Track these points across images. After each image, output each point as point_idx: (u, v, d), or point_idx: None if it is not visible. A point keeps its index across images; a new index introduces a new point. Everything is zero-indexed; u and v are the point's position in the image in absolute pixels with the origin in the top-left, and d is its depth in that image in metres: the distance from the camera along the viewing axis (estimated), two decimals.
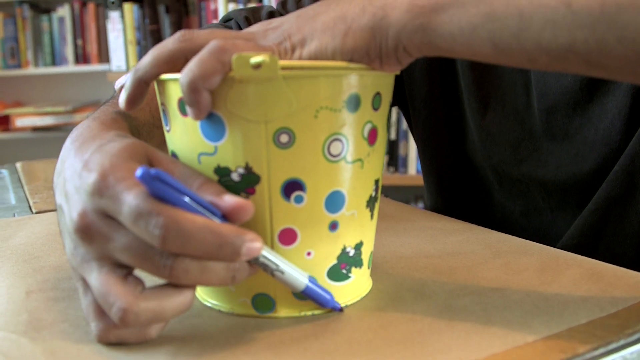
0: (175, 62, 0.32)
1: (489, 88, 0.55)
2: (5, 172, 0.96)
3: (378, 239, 0.47)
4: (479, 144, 0.56)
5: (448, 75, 0.59)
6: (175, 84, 0.31)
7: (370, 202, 0.35)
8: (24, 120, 2.19)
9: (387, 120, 0.35)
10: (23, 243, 0.49)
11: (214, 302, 0.35)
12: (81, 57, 2.27)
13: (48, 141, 2.39)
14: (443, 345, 0.29)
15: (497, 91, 0.54)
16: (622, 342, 0.30)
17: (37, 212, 0.62)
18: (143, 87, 0.33)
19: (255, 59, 0.29)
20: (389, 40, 0.31)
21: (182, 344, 0.30)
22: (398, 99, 0.65)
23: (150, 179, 0.27)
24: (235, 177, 0.31)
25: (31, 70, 2.27)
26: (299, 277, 0.32)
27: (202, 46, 0.31)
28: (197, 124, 0.31)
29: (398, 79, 0.63)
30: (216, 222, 0.28)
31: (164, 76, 0.32)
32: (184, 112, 0.32)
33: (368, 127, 0.33)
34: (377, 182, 0.35)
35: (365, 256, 0.36)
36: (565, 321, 0.32)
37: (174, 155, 0.34)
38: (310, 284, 0.32)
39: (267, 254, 0.31)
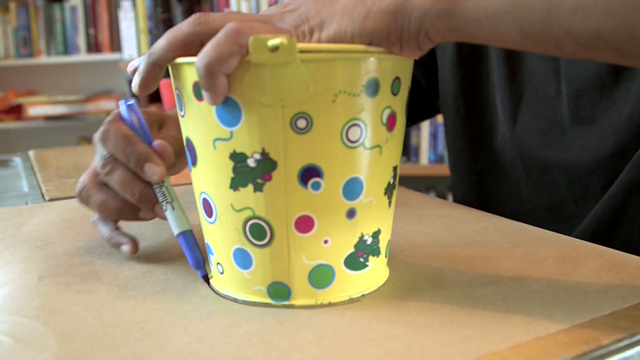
0: (191, 46, 0.31)
1: (523, 78, 0.54)
2: (18, 160, 0.96)
3: (394, 227, 0.47)
4: (510, 135, 0.55)
5: (478, 69, 0.59)
6: (190, 68, 0.31)
7: (389, 190, 0.34)
8: (37, 109, 2.21)
9: (405, 106, 0.34)
10: (36, 230, 0.49)
11: (230, 291, 0.34)
12: (93, 46, 2.27)
13: (60, 130, 2.40)
14: (463, 335, 0.29)
15: (530, 81, 0.54)
16: None
17: (49, 200, 0.62)
18: (157, 71, 0.32)
19: (273, 41, 0.28)
20: (411, 24, 0.30)
21: (197, 333, 0.30)
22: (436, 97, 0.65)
23: (125, 104, 0.40)
24: (251, 163, 0.31)
25: (43, 59, 2.27)
26: (180, 223, 0.37)
27: (217, 29, 0.30)
28: (213, 108, 0.31)
29: (434, 77, 0.63)
30: (142, 144, 0.38)
31: (179, 60, 0.31)
32: (199, 97, 0.31)
33: (387, 112, 0.32)
34: (395, 169, 0.34)
35: (383, 244, 0.35)
36: (587, 312, 0.31)
37: (188, 141, 0.34)
38: (184, 235, 0.37)
39: (167, 188, 0.38)
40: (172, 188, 0.39)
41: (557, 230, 0.47)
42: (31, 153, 1.00)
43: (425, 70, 0.64)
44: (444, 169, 1.96)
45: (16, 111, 2.24)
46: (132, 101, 0.40)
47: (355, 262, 0.33)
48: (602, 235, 0.48)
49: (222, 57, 0.29)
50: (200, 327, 0.30)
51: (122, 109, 0.40)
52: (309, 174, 0.31)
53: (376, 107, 0.31)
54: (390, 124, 0.32)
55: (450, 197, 2.14)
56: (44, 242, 0.45)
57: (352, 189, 0.32)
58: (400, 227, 0.47)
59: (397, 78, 0.32)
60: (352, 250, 0.33)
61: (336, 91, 0.30)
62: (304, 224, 0.31)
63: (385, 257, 0.36)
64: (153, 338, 0.29)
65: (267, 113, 0.30)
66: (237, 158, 0.31)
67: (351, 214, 0.32)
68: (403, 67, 0.32)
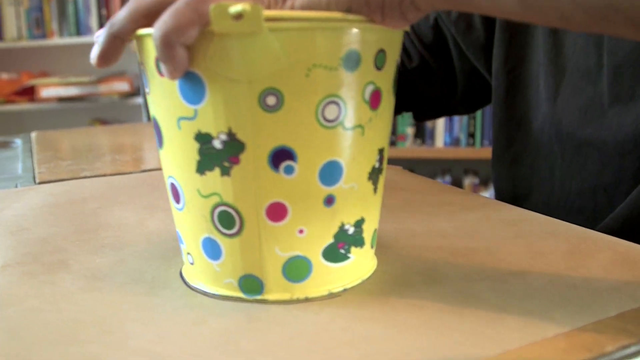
0: (154, 16, 0.28)
1: (566, 53, 0.52)
2: (19, 142, 0.95)
3: (389, 215, 0.44)
4: (550, 112, 0.53)
5: (523, 45, 0.56)
6: (152, 40, 0.28)
7: (373, 174, 0.31)
8: (49, 90, 2.20)
9: (394, 82, 0.31)
10: (15, 214, 0.47)
11: (200, 283, 0.32)
12: None
13: (73, 111, 2.40)
14: (450, 338, 0.26)
15: (572, 55, 0.51)
16: None
17: (40, 183, 0.60)
18: (118, 43, 0.29)
19: (235, 8, 0.25)
20: None
21: (159, 331, 0.27)
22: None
23: None
24: (217, 144, 0.28)
25: (56, 40, 2.27)
26: None
27: None
28: (176, 84, 0.28)
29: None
30: None
31: (141, 31, 0.29)
32: (161, 71, 0.28)
33: (370, 88, 0.29)
34: (381, 151, 0.31)
35: (368, 234, 0.32)
36: (592, 313, 0.28)
37: (154, 120, 0.31)
38: None
39: None
40: None
41: (583, 223, 0.44)
42: (33, 134, 0.98)
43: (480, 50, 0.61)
44: (459, 152, 1.91)
45: (29, 93, 2.24)
46: None
47: (335, 253, 0.30)
48: (631, 226, 0.44)
49: (180, 26, 0.25)
50: (163, 324, 0.28)
51: None
52: (281, 156, 0.28)
53: (357, 83, 0.28)
54: (374, 101, 0.29)
55: (466, 181, 2.09)
56: (19, 228, 0.43)
57: (330, 173, 0.29)
58: (396, 215, 0.44)
59: (382, 50, 0.29)
60: (332, 240, 0.30)
61: (310, 64, 0.26)
62: (276, 212, 0.29)
63: (372, 248, 0.33)
64: (110, 336, 0.27)
65: (233, 89, 0.27)
66: (203, 139, 0.28)
67: (329, 201, 0.29)
68: (388, 38, 0.29)
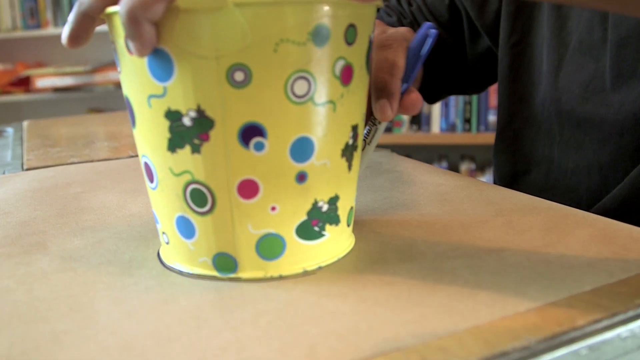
0: None
1: (570, 26, 0.51)
2: (10, 130, 0.94)
3: (372, 195, 0.43)
4: (551, 88, 0.52)
5: (528, 19, 0.55)
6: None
7: (347, 151, 0.31)
8: (45, 81, 2.20)
9: (367, 57, 0.31)
10: None
11: (176, 262, 0.31)
12: None
13: (69, 101, 2.40)
14: (419, 314, 0.26)
15: (576, 29, 0.50)
16: (630, 314, 0.25)
17: (27, 169, 0.60)
18: (88, 22, 0.29)
19: None
20: None
21: (128, 309, 0.27)
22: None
23: (430, 30, 0.35)
24: (186, 121, 0.28)
25: (51, 30, 2.25)
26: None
27: None
28: (145, 62, 0.28)
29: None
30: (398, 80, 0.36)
31: (111, 9, 0.28)
32: (130, 49, 0.28)
33: (340, 64, 0.28)
34: (354, 128, 0.31)
35: (343, 212, 0.32)
36: (566, 288, 0.28)
37: (127, 99, 0.31)
38: None
39: (377, 131, 0.37)
40: (379, 135, 0.38)
41: (577, 203, 0.43)
42: (25, 123, 0.98)
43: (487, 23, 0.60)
44: (455, 138, 1.91)
45: (25, 83, 2.23)
46: (435, 32, 0.35)
47: (308, 231, 0.30)
48: (629, 206, 0.44)
49: (146, 2, 0.25)
50: (134, 302, 0.28)
51: (423, 32, 0.36)
52: (251, 133, 0.27)
53: (327, 58, 0.28)
54: (346, 77, 0.29)
55: (462, 167, 2.08)
56: (1, 212, 0.43)
57: (301, 149, 0.28)
58: (378, 194, 0.44)
59: (352, 25, 0.28)
60: (305, 218, 0.30)
61: (277, 39, 0.26)
62: (248, 189, 0.28)
63: (348, 226, 0.33)
64: (80, 313, 0.27)
65: (200, 65, 0.26)
66: (173, 116, 0.28)
67: (301, 177, 0.29)
68: (359, 13, 0.28)
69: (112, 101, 2.43)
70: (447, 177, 0.48)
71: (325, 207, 0.30)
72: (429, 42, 0.35)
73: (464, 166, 2.06)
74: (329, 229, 0.31)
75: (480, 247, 0.33)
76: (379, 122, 0.37)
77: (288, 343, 0.24)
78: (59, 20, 2.27)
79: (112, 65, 2.29)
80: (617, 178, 0.47)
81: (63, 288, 0.30)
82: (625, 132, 0.45)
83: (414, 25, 0.63)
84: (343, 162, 0.30)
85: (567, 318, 0.25)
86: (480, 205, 0.40)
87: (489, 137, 1.94)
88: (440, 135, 1.91)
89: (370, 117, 0.37)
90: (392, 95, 0.35)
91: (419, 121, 1.92)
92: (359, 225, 0.37)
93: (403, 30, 0.40)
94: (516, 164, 0.57)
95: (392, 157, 0.56)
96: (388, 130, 1.96)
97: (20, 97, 2.24)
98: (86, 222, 0.40)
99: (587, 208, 0.48)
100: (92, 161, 0.62)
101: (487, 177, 2.13)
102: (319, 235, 0.31)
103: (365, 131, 0.37)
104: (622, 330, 0.25)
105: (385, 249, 0.33)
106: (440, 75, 0.64)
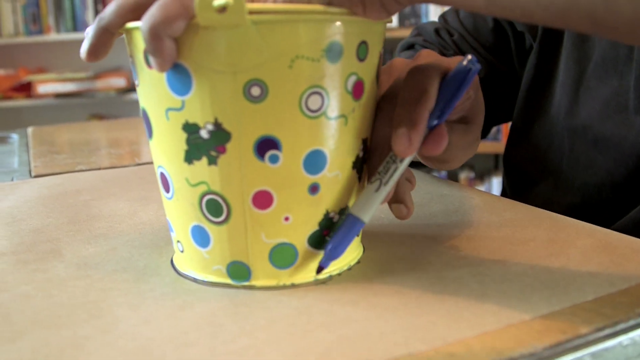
0: (142, 10, 0.29)
1: (593, 39, 0.50)
2: (15, 136, 0.95)
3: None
4: (568, 101, 0.51)
5: (552, 30, 0.54)
6: (140, 33, 0.28)
7: (357, 163, 0.32)
8: (46, 86, 2.21)
9: (377, 73, 0.32)
10: (10, 206, 0.48)
11: (190, 270, 0.32)
12: None
13: (70, 107, 2.40)
14: (427, 321, 0.27)
15: (599, 42, 0.49)
16: (631, 323, 0.26)
17: (35, 176, 0.61)
18: (107, 37, 0.30)
19: (219, 1, 0.26)
20: None
21: (146, 315, 0.28)
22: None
23: (475, 64, 0.30)
24: (204, 134, 0.29)
25: (53, 36, 2.27)
26: (366, 208, 0.31)
27: None
28: (164, 76, 0.29)
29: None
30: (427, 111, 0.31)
31: (130, 25, 0.29)
32: (149, 64, 0.29)
33: (352, 79, 0.29)
34: (365, 141, 0.32)
35: None
36: (569, 297, 0.29)
37: (144, 112, 0.32)
38: (355, 221, 0.32)
39: (398, 169, 0.31)
40: (397, 175, 0.31)
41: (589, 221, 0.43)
42: (30, 129, 0.99)
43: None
44: None
45: (26, 89, 2.24)
46: (479, 67, 0.31)
47: (320, 240, 0.31)
48: None
49: (168, 19, 0.26)
50: (151, 308, 0.29)
51: (466, 64, 0.31)
52: (266, 145, 0.28)
53: (339, 74, 0.29)
54: (357, 92, 0.30)
55: (462, 175, 2.10)
56: (14, 219, 0.44)
57: (314, 162, 0.29)
58: (385, 205, 0.44)
59: (364, 42, 0.29)
60: (317, 228, 0.31)
61: (293, 56, 0.27)
62: (262, 200, 0.29)
63: (357, 236, 0.34)
64: (99, 319, 0.28)
65: (218, 80, 0.27)
66: (190, 129, 0.29)
67: (314, 189, 0.30)
68: (371, 30, 0.30)
69: (113, 107, 2.44)
70: (451, 187, 0.49)
71: (336, 218, 0.31)
72: (471, 76, 0.31)
73: (464, 175, 2.08)
74: None
75: (485, 257, 0.34)
76: (400, 160, 0.31)
77: (302, 348, 0.25)
78: (61, 26, 2.28)
79: (113, 71, 2.31)
80: (631, 199, 0.46)
81: (81, 294, 0.30)
82: None
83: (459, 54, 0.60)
84: (354, 174, 0.32)
85: (570, 326, 0.26)
86: (484, 215, 0.42)
87: (489, 147, 1.95)
88: None
89: (390, 153, 0.31)
90: (415, 125, 0.30)
91: None
92: (367, 235, 0.38)
93: (443, 59, 0.36)
94: (527, 174, 0.56)
95: None
96: None
97: (21, 102, 2.25)
98: (98, 229, 0.41)
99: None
100: (99, 169, 0.63)
101: (486, 186, 2.14)
102: None
103: (381, 167, 0.31)
104: (623, 339, 0.26)
105: (393, 259, 0.34)
106: (493, 106, 0.59)
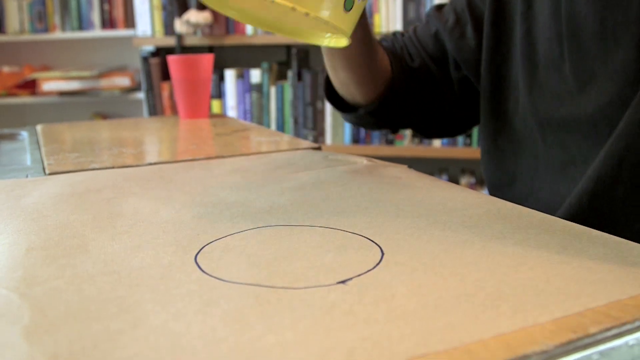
0: None
1: (538, 49, 0.58)
2: (25, 134, 0.96)
3: (394, 210, 0.45)
4: (528, 101, 0.59)
5: (504, 49, 0.62)
6: None
7: None
8: (51, 84, 2.22)
9: None
10: (35, 202, 0.49)
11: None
12: (107, 22, 2.27)
13: (74, 105, 2.42)
14: (446, 322, 0.28)
15: (541, 49, 0.58)
16: (637, 324, 0.28)
17: (50, 174, 0.62)
18: None
19: None
20: None
21: (174, 311, 0.29)
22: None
23: None
24: None
25: (58, 34, 2.28)
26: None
27: None
28: None
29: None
30: None
31: None
32: None
33: None
34: None
35: None
36: (581, 302, 0.30)
37: None
38: None
39: None
40: None
41: (562, 196, 0.50)
42: (39, 127, 1.00)
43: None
44: (456, 152, 1.93)
45: (31, 86, 2.25)
46: None
47: None
48: (598, 199, 0.51)
49: None
50: (178, 304, 0.30)
51: None
52: None
53: None
54: None
55: (462, 180, 2.11)
56: (39, 215, 0.45)
57: None
58: (401, 210, 0.46)
59: None
60: None
61: None
62: None
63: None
64: (129, 314, 0.29)
65: None
66: None
67: None
68: None
69: (117, 106, 2.45)
70: (465, 194, 0.50)
71: None
72: None
73: (464, 180, 2.09)
74: None
75: (500, 261, 0.35)
76: None
77: (327, 347, 0.26)
78: (67, 25, 2.29)
79: (118, 70, 2.32)
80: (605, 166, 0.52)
81: (110, 290, 0.31)
82: (597, 123, 0.52)
83: (404, 50, 0.71)
84: None
85: (580, 327, 0.27)
86: (498, 222, 0.43)
87: None
88: (441, 149, 1.93)
89: None
90: None
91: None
92: (386, 239, 0.39)
93: None
94: (502, 176, 0.64)
95: (410, 172, 0.58)
96: (390, 142, 1.99)
97: (25, 99, 2.25)
98: (122, 227, 0.42)
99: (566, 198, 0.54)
100: (113, 167, 0.64)
101: (486, 192, 2.15)
102: None
103: None
104: (629, 338, 0.27)
105: (412, 261, 0.35)
106: (425, 101, 0.70)
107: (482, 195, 0.50)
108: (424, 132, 0.75)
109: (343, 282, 0.32)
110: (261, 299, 0.30)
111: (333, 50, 0.61)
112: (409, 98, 0.69)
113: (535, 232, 0.40)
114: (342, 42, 0.43)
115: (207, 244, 0.38)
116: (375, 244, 0.38)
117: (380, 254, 0.37)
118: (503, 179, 0.64)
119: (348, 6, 0.37)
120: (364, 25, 0.59)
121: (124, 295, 0.31)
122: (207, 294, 0.31)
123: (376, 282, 0.32)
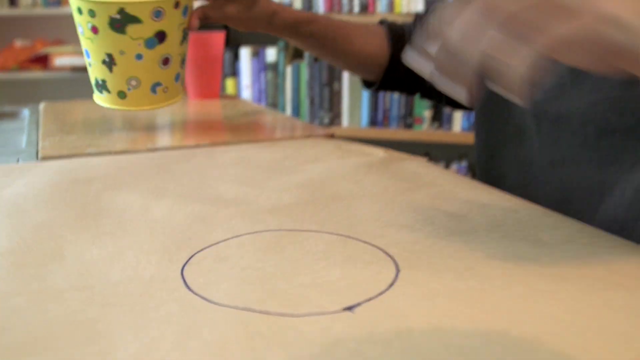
0: None
1: None
2: (26, 112, 0.92)
3: (412, 216, 0.40)
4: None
5: None
6: None
7: None
8: (63, 59, 2.18)
9: None
10: (16, 194, 0.44)
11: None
12: None
13: (86, 81, 2.38)
14: None
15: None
16: None
17: (42, 158, 0.58)
18: None
19: None
20: None
21: (148, 341, 0.25)
22: None
23: None
24: None
25: None
26: None
27: None
28: None
29: None
30: None
31: None
32: None
33: None
34: None
35: None
36: (635, 347, 0.25)
37: None
38: None
39: None
40: None
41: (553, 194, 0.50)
42: (41, 105, 0.96)
43: None
44: None
45: (43, 61, 2.22)
46: None
47: None
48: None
49: None
50: (153, 332, 0.25)
51: None
52: None
53: None
54: None
55: (453, 167, 2.04)
56: (18, 210, 0.41)
57: None
58: (419, 214, 0.40)
59: None
60: None
61: None
62: None
63: None
64: (97, 344, 0.24)
65: None
66: None
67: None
68: None
69: None
70: (492, 196, 0.45)
71: None
72: None
73: (454, 166, 2.02)
74: None
75: (535, 284, 0.30)
76: None
77: None
78: None
79: None
80: (584, 170, 0.52)
81: (79, 310, 0.27)
82: (588, 122, 0.51)
83: (410, 30, 0.73)
84: None
85: None
86: (529, 232, 0.37)
87: None
88: (461, 134, 1.87)
89: None
90: None
91: (440, 119, 1.88)
92: (402, 251, 0.34)
93: None
94: (496, 169, 0.64)
95: (429, 168, 0.53)
96: (408, 126, 1.93)
97: (38, 74, 2.22)
98: (106, 226, 0.38)
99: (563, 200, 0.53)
100: (109, 153, 0.60)
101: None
102: None
103: None
104: None
105: (431, 280, 0.30)
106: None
107: (512, 198, 0.45)
108: (438, 99, 0.76)
109: (350, 308, 0.28)
110: (251, 329, 0.26)
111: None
112: (410, 71, 0.68)
113: (570, 245, 0.35)
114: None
115: (198, 252, 0.34)
116: (390, 256, 0.34)
117: (395, 270, 0.32)
118: (496, 172, 0.64)
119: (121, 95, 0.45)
120: (311, 43, 0.68)
121: (95, 317, 0.27)
122: (188, 319, 0.27)
123: (389, 310, 0.27)
